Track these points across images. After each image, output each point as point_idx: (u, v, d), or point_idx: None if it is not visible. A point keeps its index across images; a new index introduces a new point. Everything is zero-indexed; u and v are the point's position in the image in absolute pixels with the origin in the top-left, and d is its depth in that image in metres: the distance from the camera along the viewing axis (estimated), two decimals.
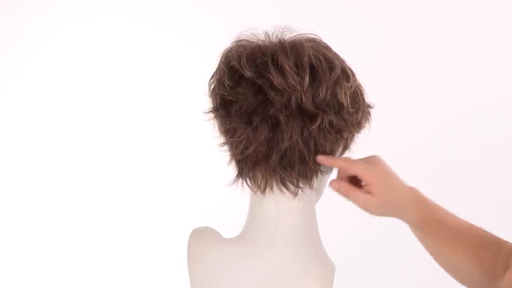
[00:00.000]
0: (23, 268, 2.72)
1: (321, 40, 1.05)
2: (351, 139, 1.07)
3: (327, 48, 1.04)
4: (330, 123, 1.00)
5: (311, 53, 0.99)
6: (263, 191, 1.04)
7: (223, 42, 1.08)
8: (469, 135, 2.13)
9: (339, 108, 1.00)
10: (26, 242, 2.72)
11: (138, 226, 2.64)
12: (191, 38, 2.51)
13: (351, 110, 1.01)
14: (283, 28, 1.04)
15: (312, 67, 0.99)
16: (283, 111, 0.98)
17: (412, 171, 2.18)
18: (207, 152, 1.07)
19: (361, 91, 1.06)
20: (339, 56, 1.04)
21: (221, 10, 2.43)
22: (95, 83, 2.64)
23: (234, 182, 1.06)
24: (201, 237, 1.15)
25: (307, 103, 0.98)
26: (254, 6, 2.34)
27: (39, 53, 2.68)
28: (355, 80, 1.04)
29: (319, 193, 1.10)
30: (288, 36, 1.04)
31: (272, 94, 0.98)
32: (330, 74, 0.99)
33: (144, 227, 2.63)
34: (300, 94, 0.98)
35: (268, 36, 1.04)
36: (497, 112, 2.15)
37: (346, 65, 1.04)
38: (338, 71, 1.00)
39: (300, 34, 1.04)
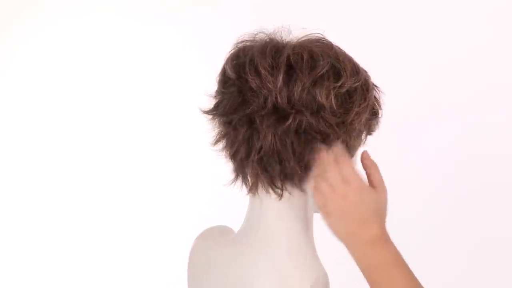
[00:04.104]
0: (23, 268, 2.73)
1: (323, 38, 1.04)
2: (347, 143, 1.03)
3: (327, 46, 1.02)
4: (309, 123, 0.98)
5: (290, 53, 0.99)
6: (250, 190, 1.05)
7: (223, 43, 1.09)
8: (475, 138, 2.12)
9: (318, 109, 0.98)
10: (26, 242, 2.73)
11: (138, 226, 2.64)
12: (190, 38, 2.50)
13: (336, 110, 0.99)
14: (281, 28, 1.04)
15: (290, 67, 0.98)
16: (259, 111, 0.98)
17: (418, 174, 2.19)
18: (209, 152, 1.07)
19: (361, 91, 1.02)
20: (341, 56, 1.02)
21: (226, 11, 2.42)
22: (94, 83, 2.64)
23: (233, 181, 1.07)
24: (202, 237, 1.18)
25: (282, 103, 0.98)
26: (259, 7, 2.33)
27: (38, 54, 2.69)
28: (354, 79, 1.01)
29: None
30: (285, 35, 1.03)
31: (249, 94, 0.99)
32: (309, 73, 0.97)
33: (144, 227, 2.63)
34: (275, 94, 0.97)
35: (268, 36, 1.03)
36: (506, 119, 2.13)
37: (347, 64, 1.01)
38: (321, 70, 0.98)
39: (308, 35, 1.04)
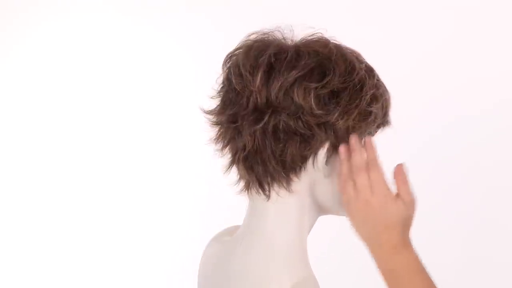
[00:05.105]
0: (23, 268, 2.72)
1: (322, 37, 1.02)
2: (335, 145, 1.00)
3: (321, 45, 1.00)
4: (286, 124, 0.97)
5: (272, 53, 0.98)
6: (241, 190, 1.05)
7: (224, 44, 1.09)
8: (469, 136, 2.13)
9: (296, 109, 0.96)
10: (26, 242, 2.73)
11: (137, 225, 2.64)
12: (188, 39, 2.51)
13: (317, 111, 0.97)
14: (279, 27, 1.03)
15: (270, 67, 0.98)
16: (241, 111, 0.99)
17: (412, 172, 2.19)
18: (211, 151, 1.08)
19: (353, 91, 0.98)
20: (335, 55, 0.99)
21: (226, 12, 2.43)
22: (90, 84, 2.64)
23: (238, 181, 1.07)
24: (213, 238, 1.19)
25: (261, 103, 0.97)
26: (261, 8, 2.34)
27: (36, 55, 2.69)
28: (343, 79, 0.98)
29: (319, 201, 1.05)
30: (284, 34, 1.02)
31: (234, 95, 1.00)
32: (288, 73, 0.96)
33: (144, 227, 2.63)
34: (255, 94, 0.97)
35: (260, 36, 1.03)
36: (499, 111, 2.14)
37: (340, 63, 0.98)
38: (302, 69, 0.97)
39: (312, 34, 1.02)
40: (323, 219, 1.11)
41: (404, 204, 1.02)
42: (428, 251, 2.05)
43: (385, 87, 1.04)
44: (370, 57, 1.06)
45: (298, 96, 0.96)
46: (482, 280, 2.12)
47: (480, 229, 2.13)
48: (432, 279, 1.02)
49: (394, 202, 1.01)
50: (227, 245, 1.11)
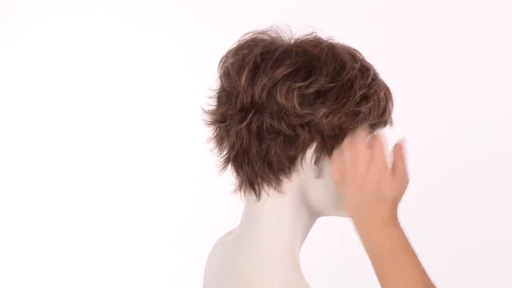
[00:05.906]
0: (23, 268, 2.72)
1: (315, 37, 1.01)
2: (323, 145, 0.98)
3: (313, 44, 0.99)
4: (270, 124, 0.96)
5: (259, 52, 0.98)
6: (235, 190, 1.04)
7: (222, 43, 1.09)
8: (471, 140, 2.12)
9: (278, 109, 0.96)
10: (26, 242, 2.72)
11: (137, 226, 2.64)
12: (186, 39, 2.51)
13: (300, 111, 0.96)
14: (274, 26, 1.03)
15: (256, 66, 0.97)
16: (229, 110, 0.99)
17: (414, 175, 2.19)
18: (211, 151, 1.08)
19: (341, 90, 0.97)
20: (325, 55, 0.98)
21: (224, 12, 2.43)
22: (86, 84, 2.63)
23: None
24: (218, 238, 1.19)
25: (246, 103, 0.97)
26: (259, 8, 2.34)
27: (33, 53, 2.68)
28: (330, 79, 0.96)
29: (312, 202, 1.03)
30: (281, 34, 1.02)
31: (225, 94, 1.01)
32: (272, 72, 0.96)
33: (144, 228, 2.63)
34: (241, 94, 0.97)
35: (262, 35, 1.02)
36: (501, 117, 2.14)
37: (329, 63, 0.97)
38: (286, 69, 0.96)
39: (310, 34, 1.02)
40: (324, 223, 1.09)
41: (398, 180, 1.00)
42: (433, 249, 2.07)
43: (381, 86, 1.02)
44: (377, 59, 1.04)
45: (280, 96, 0.95)
46: (482, 277, 2.12)
47: (485, 230, 2.12)
48: (419, 260, 0.99)
49: (389, 177, 0.99)
50: (224, 246, 1.11)
